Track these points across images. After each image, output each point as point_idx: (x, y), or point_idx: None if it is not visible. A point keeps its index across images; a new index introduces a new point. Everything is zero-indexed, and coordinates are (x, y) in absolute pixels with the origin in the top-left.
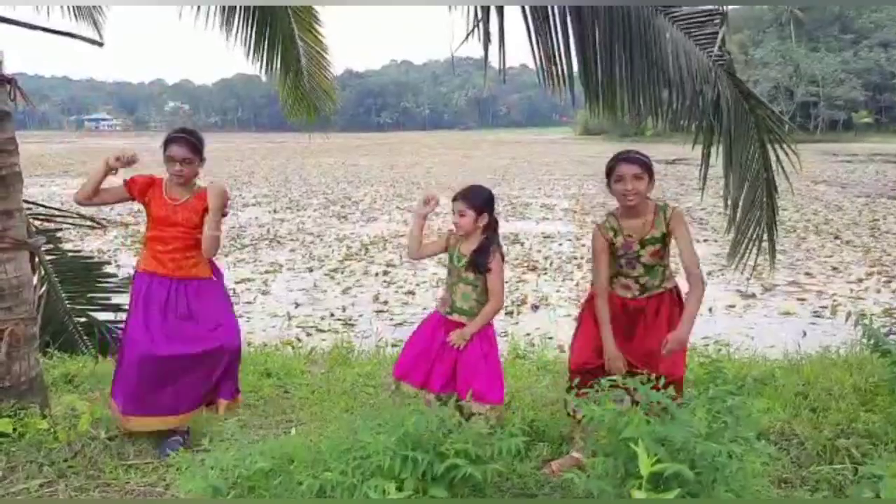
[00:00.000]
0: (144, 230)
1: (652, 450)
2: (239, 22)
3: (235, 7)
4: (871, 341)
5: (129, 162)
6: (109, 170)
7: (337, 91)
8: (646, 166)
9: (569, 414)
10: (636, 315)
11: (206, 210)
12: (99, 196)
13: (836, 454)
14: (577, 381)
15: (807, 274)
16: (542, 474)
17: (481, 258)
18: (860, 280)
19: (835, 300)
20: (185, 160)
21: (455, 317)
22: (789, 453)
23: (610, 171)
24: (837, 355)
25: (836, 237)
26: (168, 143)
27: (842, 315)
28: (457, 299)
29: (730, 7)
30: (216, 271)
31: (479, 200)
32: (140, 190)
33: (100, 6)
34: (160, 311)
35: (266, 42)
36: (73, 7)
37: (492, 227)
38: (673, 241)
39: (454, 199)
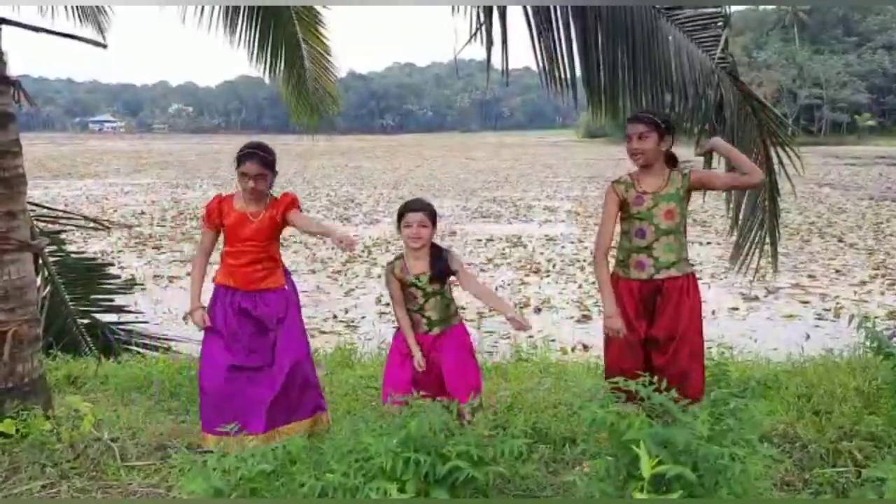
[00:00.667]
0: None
1: (654, 452)
2: (243, 24)
3: (239, 10)
4: (875, 344)
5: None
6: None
7: (340, 93)
8: (653, 124)
9: None
10: (654, 298)
11: (279, 220)
12: (205, 257)
13: (840, 457)
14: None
15: (810, 276)
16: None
17: (443, 265)
18: (863, 283)
19: (838, 303)
20: (259, 175)
21: (436, 330)
22: (792, 456)
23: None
24: (841, 358)
25: (840, 240)
26: (241, 159)
27: (845, 318)
28: (431, 315)
29: (733, 9)
30: (289, 280)
31: (434, 213)
32: (216, 220)
33: (104, 9)
34: (228, 325)
35: (270, 45)
36: (78, 9)
37: None
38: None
39: (412, 210)
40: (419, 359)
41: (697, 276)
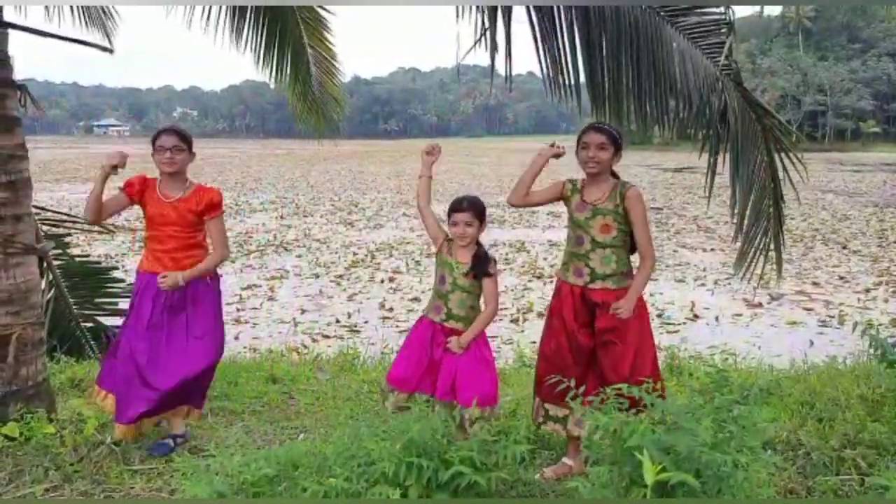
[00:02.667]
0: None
1: (657, 459)
2: (249, 29)
3: (246, 15)
4: (878, 351)
5: (122, 160)
6: (107, 175)
7: (345, 98)
8: (612, 137)
9: (538, 426)
10: (592, 309)
11: (201, 212)
12: (105, 209)
13: (843, 464)
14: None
15: (814, 283)
16: (539, 477)
17: (483, 265)
18: (867, 290)
19: (842, 310)
20: (175, 147)
21: (451, 324)
22: (795, 463)
23: (579, 139)
24: (844, 365)
25: (844, 247)
26: (156, 136)
27: (849, 325)
28: (453, 307)
29: (737, 16)
30: (214, 273)
31: (482, 211)
32: (136, 191)
33: (111, 13)
34: (154, 313)
35: (276, 49)
36: (84, 14)
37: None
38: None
39: (459, 210)
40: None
41: (701, 282)
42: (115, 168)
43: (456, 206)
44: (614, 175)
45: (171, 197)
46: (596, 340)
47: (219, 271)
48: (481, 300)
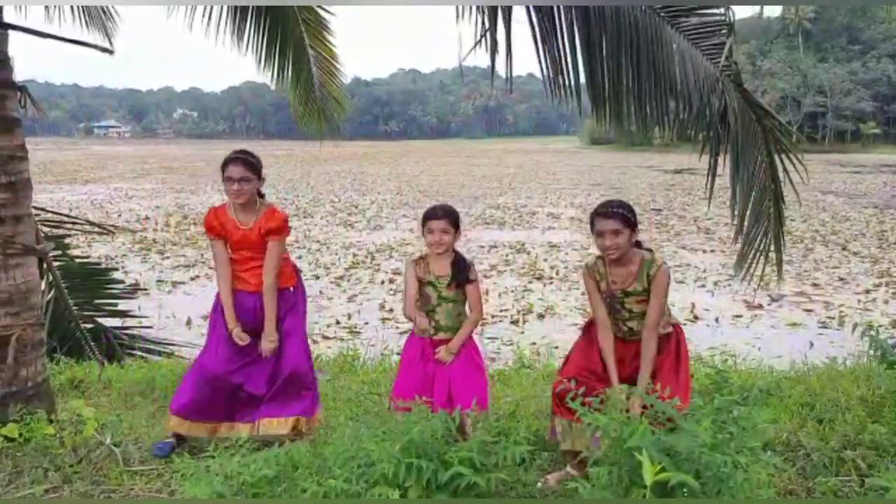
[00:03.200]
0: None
1: (657, 459)
2: (250, 31)
3: (247, 16)
4: (878, 353)
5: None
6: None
7: (346, 99)
8: (624, 220)
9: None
10: (631, 353)
11: (264, 235)
12: (226, 267)
13: (843, 466)
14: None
15: (814, 285)
16: (542, 483)
17: (462, 271)
18: (867, 291)
19: (842, 311)
20: (242, 179)
21: (441, 335)
22: (795, 464)
23: (592, 224)
24: (844, 366)
25: (844, 248)
26: (225, 164)
27: (849, 326)
28: (440, 319)
29: (737, 18)
30: (299, 281)
31: (457, 219)
32: (218, 231)
33: (111, 14)
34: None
35: (277, 51)
36: (85, 15)
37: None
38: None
39: (433, 218)
40: (424, 324)
41: (701, 283)
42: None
43: (431, 214)
44: (638, 244)
45: (245, 224)
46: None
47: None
48: (467, 306)
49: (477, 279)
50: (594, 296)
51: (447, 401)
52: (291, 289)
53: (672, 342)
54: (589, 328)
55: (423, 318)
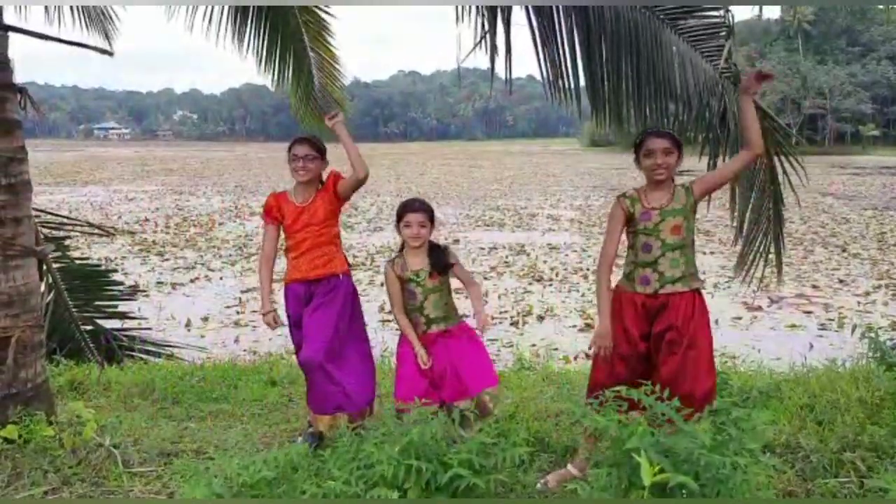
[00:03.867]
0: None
1: (656, 461)
2: (251, 33)
3: (247, 19)
4: (878, 354)
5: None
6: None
7: (347, 101)
8: (676, 141)
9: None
10: (658, 312)
11: (332, 197)
12: (271, 253)
13: (842, 467)
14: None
15: (814, 286)
16: (541, 485)
17: (441, 258)
18: (867, 293)
19: (841, 313)
20: (307, 156)
21: (434, 328)
22: (794, 466)
23: (639, 146)
24: (844, 368)
25: (844, 250)
26: (292, 145)
27: (848, 328)
28: (430, 312)
29: (737, 19)
30: (347, 270)
31: (433, 213)
32: (275, 215)
33: (111, 16)
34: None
35: (278, 53)
36: (85, 17)
37: None
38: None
39: (412, 211)
40: (423, 357)
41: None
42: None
43: (409, 207)
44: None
45: (302, 201)
46: (653, 346)
47: (222, 273)
48: (452, 295)
49: (457, 260)
50: (614, 231)
51: (458, 392)
52: (341, 276)
53: (697, 304)
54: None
55: (420, 347)
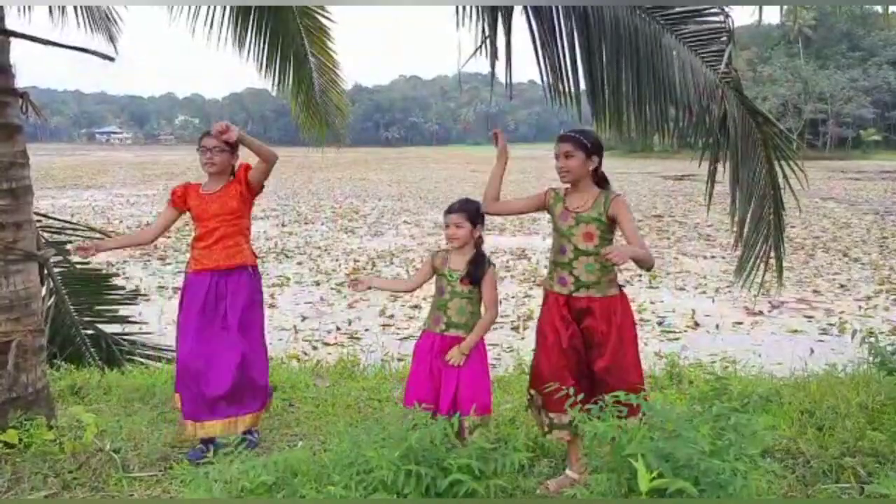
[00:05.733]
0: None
1: (655, 466)
2: (251, 38)
3: (248, 24)
4: (878, 360)
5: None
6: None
7: (347, 106)
8: (579, 144)
9: (545, 433)
10: (580, 316)
11: (243, 188)
12: (155, 230)
13: (843, 473)
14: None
15: (814, 291)
16: (542, 490)
17: (477, 268)
18: (868, 298)
19: (842, 318)
20: (215, 148)
21: (451, 332)
22: (795, 471)
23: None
24: (844, 373)
25: (845, 254)
26: (201, 137)
27: (849, 333)
28: (452, 315)
29: (737, 24)
30: (255, 263)
31: (473, 212)
32: (181, 198)
33: (114, 18)
34: (200, 311)
35: (278, 58)
36: (88, 19)
37: (481, 240)
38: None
39: (448, 212)
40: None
41: (702, 290)
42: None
43: (448, 209)
44: (601, 184)
45: (212, 190)
46: (585, 344)
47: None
48: (481, 309)
49: (492, 275)
50: (526, 198)
51: (451, 404)
52: (251, 269)
53: (618, 310)
54: (543, 308)
55: (361, 283)
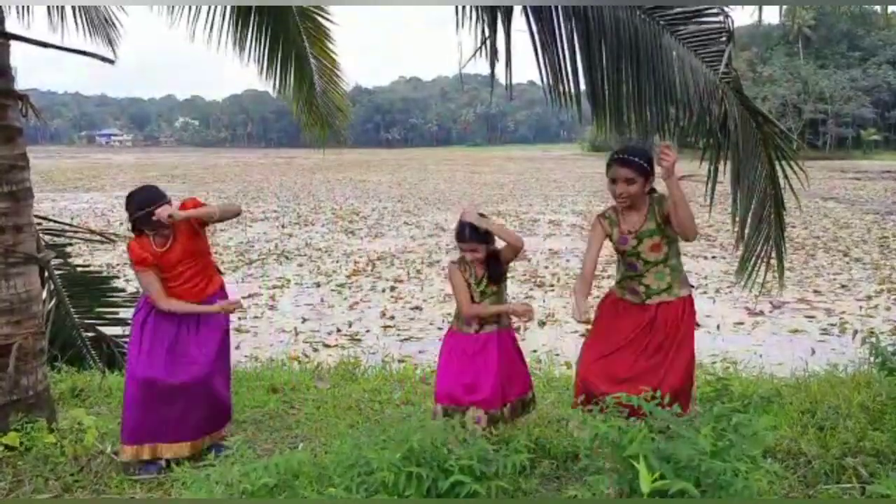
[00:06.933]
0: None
1: (656, 467)
2: (252, 40)
3: (248, 26)
4: (879, 360)
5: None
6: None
7: (349, 107)
8: (640, 169)
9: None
10: (650, 322)
11: (191, 229)
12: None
13: (844, 473)
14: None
15: (815, 291)
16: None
17: (497, 270)
18: (869, 298)
19: (843, 318)
20: (163, 226)
21: (487, 329)
22: (796, 472)
23: (607, 168)
24: (845, 373)
25: (845, 254)
26: (147, 204)
27: (850, 333)
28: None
29: (737, 25)
30: (222, 285)
31: (485, 234)
32: (149, 261)
33: (113, 21)
34: (168, 337)
35: (279, 60)
36: (87, 22)
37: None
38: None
39: (462, 241)
40: (525, 310)
41: (703, 290)
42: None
43: (459, 237)
44: (652, 190)
45: (163, 248)
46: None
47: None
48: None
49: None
50: (593, 245)
51: (500, 399)
52: (217, 297)
53: (686, 313)
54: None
55: (486, 307)
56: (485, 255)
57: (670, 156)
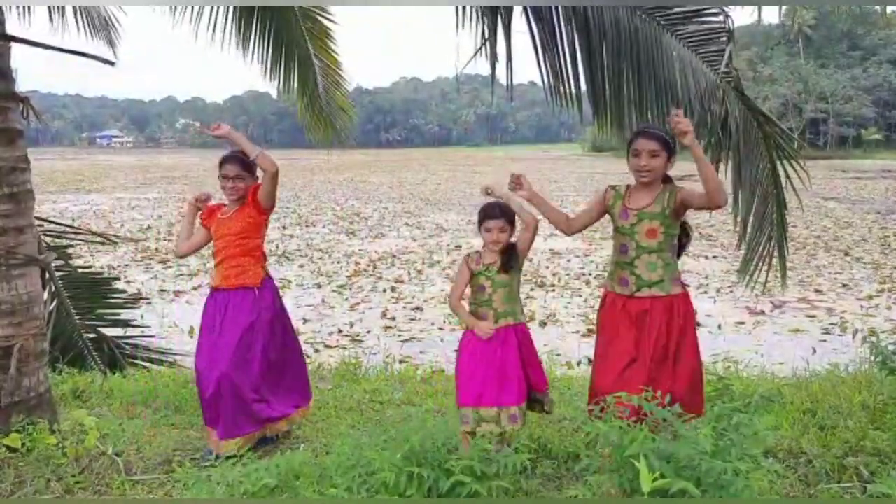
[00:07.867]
0: None
1: (657, 467)
2: (255, 41)
3: (251, 27)
4: (880, 359)
5: (206, 199)
6: (196, 210)
7: (351, 108)
8: (665, 143)
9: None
10: (642, 320)
11: (252, 209)
12: (191, 244)
13: (845, 473)
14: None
15: (816, 291)
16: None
17: (513, 258)
18: (870, 297)
19: (844, 317)
20: (237, 177)
21: (502, 322)
22: (797, 471)
23: (630, 144)
24: (846, 373)
25: (846, 254)
26: (221, 163)
27: (851, 332)
28: (498, 307)
29: (737, 24)
30: (266, 280)
31: (514, 216)
32: (205, 221)
33: (114, 23)
34: (208, 328)
35: (282, 61)
36: (88, 24)
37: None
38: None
39: (493, 217)
40: (487, 329)
41: (704, 290)
42: (201, 202)
43: (490, 213)
44: (665, 179)
45: (228, 212)
46: (647, 355)
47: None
48: (520, 293)
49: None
50: (589, 205)
51: (520, 395)
52: (256, 290)
53: (680, 308)
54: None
55: (487, 322)
56: (507, 241)
57: (682, 120)
